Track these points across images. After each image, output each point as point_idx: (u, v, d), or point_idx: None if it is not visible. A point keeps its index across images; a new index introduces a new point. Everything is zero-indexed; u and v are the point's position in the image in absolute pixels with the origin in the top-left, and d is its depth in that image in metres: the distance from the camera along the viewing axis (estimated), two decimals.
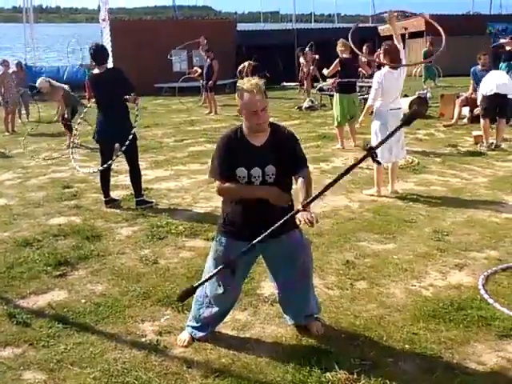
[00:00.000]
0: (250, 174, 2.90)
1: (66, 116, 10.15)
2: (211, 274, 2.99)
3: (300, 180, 2.93)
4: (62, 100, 10.11)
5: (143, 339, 3.29)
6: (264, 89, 2.89)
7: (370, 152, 2.63)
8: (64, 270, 4.33)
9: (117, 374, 2.92)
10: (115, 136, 5.95)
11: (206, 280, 3.01)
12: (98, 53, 6.04)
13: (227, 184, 2.90)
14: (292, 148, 2.98)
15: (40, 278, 4.20)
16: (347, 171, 2.71)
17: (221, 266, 2.92)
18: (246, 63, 16.09)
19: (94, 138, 6.15)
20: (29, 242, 4.92)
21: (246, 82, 2.89)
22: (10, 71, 12.89)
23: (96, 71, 6.15)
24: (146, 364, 3.02)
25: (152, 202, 6.15)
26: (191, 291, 3.04)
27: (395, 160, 6.22)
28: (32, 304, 3.78)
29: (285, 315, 3.37)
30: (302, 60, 17.05)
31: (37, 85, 10.53)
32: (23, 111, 13.87)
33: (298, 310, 3.28)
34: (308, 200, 2.76)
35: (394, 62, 5.94)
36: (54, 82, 10.59)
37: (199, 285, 3.03)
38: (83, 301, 3.79)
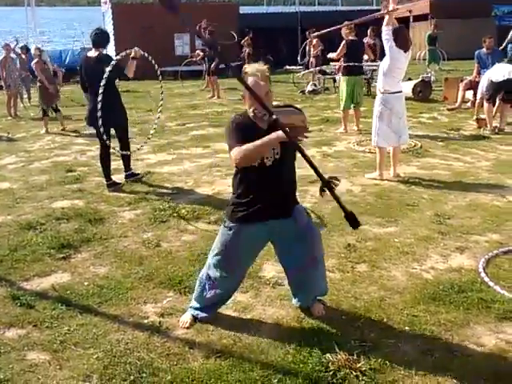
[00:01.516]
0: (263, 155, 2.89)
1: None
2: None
3: None
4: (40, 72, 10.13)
5: (145, 321, 3.33)
6: (268, 74, 2.89)
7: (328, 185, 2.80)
8: (67, 252, 4.36)
9: (119, 355, 2.96)
10: (109, 121, 5.94)
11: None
12: (98, 36, 6.10)
13: (239, 148, 2.77)
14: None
15: (43, 260, 4.24)
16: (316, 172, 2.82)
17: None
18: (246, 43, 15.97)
19: (86, 122, 6.29)
20: (32, 225, 4.95)
21: (251, 67, 2.88)
22: (13, 55, 12.84)
23: (90, 54, 6.16)
24: (149, 345, 3.05)
25: (139, 175, 6.52)
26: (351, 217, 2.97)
27: (400, 143, 6.19)
28: (35, 286, 3.82)
29: (293, 298, 3.39)
30: (312, 44, 16.77)
31: (31, 50, 10.71)
32: (25, 95, 13.85)
33: (309, 293, 3.31)
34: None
35: (404, 45, 5.81)
36: (47, 59, 10.56)
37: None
38: (86, 283, 3.82)
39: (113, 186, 6.15)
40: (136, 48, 5.94)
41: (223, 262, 3.12)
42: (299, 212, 3.12)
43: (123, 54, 5.98)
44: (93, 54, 6.08)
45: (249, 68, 2.89)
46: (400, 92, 6.03)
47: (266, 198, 2.96)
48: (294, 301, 3.39)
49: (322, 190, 2.79)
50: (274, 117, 2.62)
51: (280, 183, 2.97)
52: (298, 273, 3.21)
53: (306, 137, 2.79)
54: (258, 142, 2.71)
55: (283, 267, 3.30)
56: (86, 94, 6.35)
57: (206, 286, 3.22)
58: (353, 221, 2.87)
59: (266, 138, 2.70)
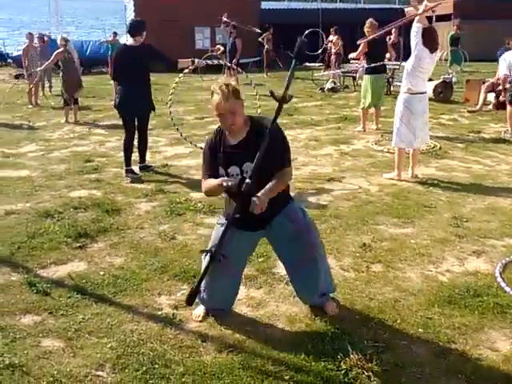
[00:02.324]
0: (227, 173, 2.92)
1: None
2: (203, 271, 3.08)
3: (271, 181, 2.88)
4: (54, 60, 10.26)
5: (159, 312, 3.35)
6: (236, 88, 2.83)
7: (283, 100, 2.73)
8: (84, 241, 4.41)
9: (133, 345, 2.98)
10: (138, 109, 6.21)
11: (202, 277, 3.07)
12: (133, 25, 6.26)
13: (205, 181, 3.00)
14: (269, 147, 2.76)
15: (60, 248, 4.28)
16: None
17: (207, 260, 3.06)
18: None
19: (115, 107, 6.35)
20: (50, 214, 5.01)
21: (217, 83, 2.85)
22: (36, 44, 12.98)
23: (129, 43, 6.27)
24: (162, 336, 3.07)
25: (151, 166, 6.68)
26: (194, 292, 3.12)
27: (419, 145, 6.14)
28: (52, 274, 3.86)
29: (297, 295, 3.39)
30: (331, 42, 16.66)
31: (57, 40, 10.88)
32: (46, 84, 13.99)
33: (310, 291, 3.27)
34: (262, 192, 2.79)
35: (432, 45, 5.71)
36: (72, 50, 10.66)
37: (199, 283, 3.10)
38: (102, 273, 3.86)
39: (130, 172, 6.31)
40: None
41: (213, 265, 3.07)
42: (293, 211, 3.11)
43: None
44: (133, 43, 6.17)
45: (214, 84, 2.87)
46: (423, 93, 5.94)
47: (247, 213, 2.83)
48: (300, 299, 3.38)
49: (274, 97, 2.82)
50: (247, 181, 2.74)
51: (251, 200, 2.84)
52: (296, 271, 3.20)
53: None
54: (215, 182, 2.88)
55: (284, 265, 3.30)
56: (115, 83, 6.38)
57: (205, 294, 3.21)
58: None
59: (218, 181, 2.86)
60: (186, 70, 6.42)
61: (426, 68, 5.83)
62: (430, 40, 5.70)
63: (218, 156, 2.96)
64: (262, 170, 2.79)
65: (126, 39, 6.48)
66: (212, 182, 2.93)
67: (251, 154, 2.79)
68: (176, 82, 6.75)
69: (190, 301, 3.17)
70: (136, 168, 6.51)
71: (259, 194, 2.77)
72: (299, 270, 3.17)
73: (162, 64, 6.42)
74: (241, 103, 2.88)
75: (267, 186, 2.85)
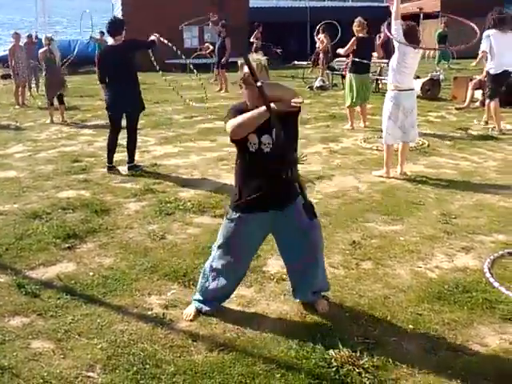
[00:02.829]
0: (260, 141, 2.91)
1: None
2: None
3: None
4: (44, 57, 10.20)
5: (150, 312, 3.33)
6: (264, 64, 2.89)
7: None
8: (72, 242, 4.38)
9: (123, 346, 2.97)
10: (127, 107, 6.25)
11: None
12: (112, 25, 6.20)
13: (237, 117, 2.84)
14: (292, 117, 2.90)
15: (49, 249, 4.25)
16: None
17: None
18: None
19: (107, 109, 6.41)
20: (38, 215, 4.97)
21: (250, 57, 2.86)
22: (22, 43, 12.86)
23: (110, 43, 6.25)
24: (152, 336, 3.06)
25: (140, 166, 6.65)
26: None
27: (407, 141, 6.15)
28: (41, 275, 3.83)
29: (293, 292, 3.39)
30: (320, 40, 16.67)
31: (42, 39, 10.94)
32: (33, 84, 13.88)
33: (307, 287, 3.30)
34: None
35: (414, 42, 5.80)
36: (55, 49, 10.60)
37: None
38: (91, 273, 3.84)
39: (113, 169, 6.44)
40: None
41: (226, 254, 3.14)
42: (298, 204, 3.08)
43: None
44: (114, 42, 6.18)
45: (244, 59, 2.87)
46: (411, 90, 5.98)
47: (265, 186, 2.94)
48: (293, 295, 3.39)
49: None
50: (259, 84, 2.62)
51: (279, 171, 2.92)
52: (297, 268, 3.22)
53: (295, 108, 2.75)
54: (248, 114, 2.78)
55: (284, 261, 3.31)
56: (103, 86, 6.39)
57: (210, 278, 3.23)
58: None
59: (255, 110, 2.76)
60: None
61: (410, 63, 5.86)
62: (411, 36, 5.76)
63: None
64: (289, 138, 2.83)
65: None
66: (242, 115, 2.81)
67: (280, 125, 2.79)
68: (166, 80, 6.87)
69: None
70: (124, 168, 6.50)
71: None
72: (299, 266, 3.19)
73: (145, 48, 6.62)
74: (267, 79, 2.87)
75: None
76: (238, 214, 3.05)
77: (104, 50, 6.52)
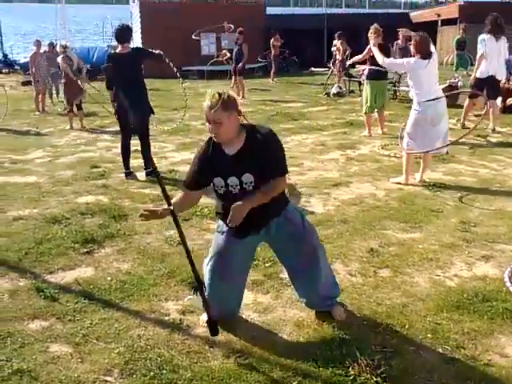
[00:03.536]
0: (226, 184, 2.89)
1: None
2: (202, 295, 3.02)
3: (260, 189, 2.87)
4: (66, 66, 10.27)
5: (167, 318, 3.35)
6: (226, 101, 2.77)
7: None
8: (91, 247, 4.42)
9: (140, 350, 2.98)
10: (134, 113, 6.26)
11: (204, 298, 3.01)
12: (119, 31, 6.32)
13: (180, 195, 3.12)
14: (266, 157, 2.82)
15: (67, 254, 4.29)
16: None
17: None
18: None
19: (115, 116, 6.55)
20: (57, 219, 5.03)
21: (211, 91, 2.83)
22: (42, 51, 13.05)
23: (118, 50, 6.31)
24: (169, 342, 3.07)
25: (158, 172, 6.57)
26: (211, 322, 3.01)
27: (431, 150, 6.02)
28: (59, 279, 3.88)
29: (299, 298, 3.37)
30: (335, 47, 16.66)
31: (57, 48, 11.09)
32: (54, 91, 14.06)
33: (309, 291, 3.26)
34: (242, 203, 2.78)
35: (426, 53, 5.76)
36: (73, 56, 10.73)
37: (201, 291, 3.02)
38: (109, 278, 3.87)
39: (130, 175, 6.52)
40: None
41: (217, 268, 3.10)
42: (292, 212, 3.11)
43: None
44: (122, 49, 6.23)
45: (209, 90, 2.85)
46: (435, 99, 5.82)
47: (240, 223, 2.85)
48: (300, 300, 3.37)
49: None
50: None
51: (253, 209, 2.83)
52: (296, 273, 3.20)
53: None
54: (174, 200, 3.07)
55: (285, 269, 3.29)
56: (110, 92, 6.47)
57: (211, 301, 3.11)
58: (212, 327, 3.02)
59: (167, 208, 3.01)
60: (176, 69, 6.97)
61: (425, 75, 5.81)
62: (423, 48, 5.79)
63: (215, 165, 2.90)
64: (263, 178, 2.85)
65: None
66: (177, 197, 3.10)
67: (250, 164, 2.82)
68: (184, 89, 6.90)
69: (213, 331, 3.03)
70: (142, 173, 6.55)
71: (238, 203, 2.77)
72: (299, 271, 3.18)
73: (157, 59, 6.62)
74: (229, 115, 2.78)
75: (251, 196, 2.84)
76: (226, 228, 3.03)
77: (111, 56, 6.58)
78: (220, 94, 2.78)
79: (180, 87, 14.86)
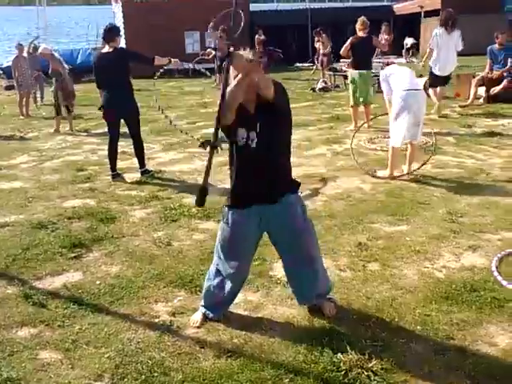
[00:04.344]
0: (248, 136, 2.95)
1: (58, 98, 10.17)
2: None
3: None
4: (61, 69, 10.17)
5: (157, 320, 3.34)
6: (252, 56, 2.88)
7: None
8: (79, 251, 4.39)
9: (131, 354, 2.97)
10: (121, 113, 6.33)
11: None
12: (107, 31, 6.33)
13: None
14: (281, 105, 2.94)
15: (55, 259, 4.26)
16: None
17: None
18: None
19: (103, 116, 6.52)
20: (44, 225, 4.99)
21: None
22: (25, 54, 12.91)
23: (104, 50, 6.32)
24: (160, 344, 3.06)
25: (152, 170, 6.71)
26: (203, 190, 3.08)
27: (414, 139, 6.06)
28: (48, 285, 3.84)
29: (294, 295, 3.38)
30: (318, 44, 16.69)
31: (39, 50, 10.85)
32: (38, 95, 13.93)
33: (307, 291, 3.28)
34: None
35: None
36: (56, 55, 10.63)
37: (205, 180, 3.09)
38: (98, 282, 3.84)
39: (117, 176, 6.49)
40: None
41: (227, 257, 3.15)
42: (292, 205, 3.10)
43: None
44: (108, 49, 6.23)
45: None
46: (416, 90, 5.90)
47: (249, 182, 3.00)
48: (297, 300, 3.37)
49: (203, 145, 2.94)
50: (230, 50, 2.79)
51: (263, 168, 2.98)
52: (294, 270, 3.21)
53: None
54: (228, 89, 2.85)
55: (282, 262, 3.30)
56: (101, 91, 6.44)
57: (214, 282, 3.23)
58: (200, 196, 3.08)
59: (233, 82, 2.84)
60: (162, 70, 6.89)
61: (401, 73, 6.01)
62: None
63: (238, 117, 2.91)
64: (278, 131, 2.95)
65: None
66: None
67: (267, 119, 2.89)
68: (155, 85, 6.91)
69: (201, 201, 3.11)
70: (129, 175, 6.54)
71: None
72: (297, 269, 3.18)
73: (142, 63, 6.62)
74: None
75: None
76: (233, 216, 3.07)
77: (98, 56, 6.57)
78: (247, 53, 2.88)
79: (165, 87, 14.74)
